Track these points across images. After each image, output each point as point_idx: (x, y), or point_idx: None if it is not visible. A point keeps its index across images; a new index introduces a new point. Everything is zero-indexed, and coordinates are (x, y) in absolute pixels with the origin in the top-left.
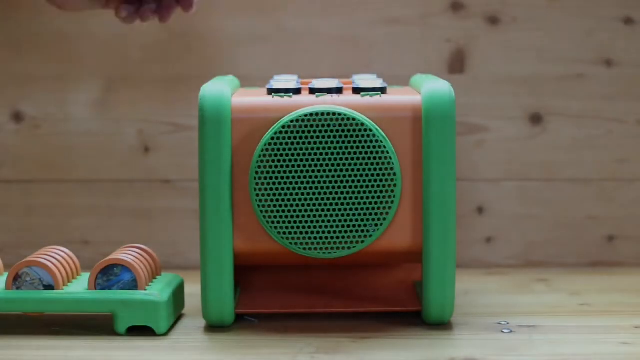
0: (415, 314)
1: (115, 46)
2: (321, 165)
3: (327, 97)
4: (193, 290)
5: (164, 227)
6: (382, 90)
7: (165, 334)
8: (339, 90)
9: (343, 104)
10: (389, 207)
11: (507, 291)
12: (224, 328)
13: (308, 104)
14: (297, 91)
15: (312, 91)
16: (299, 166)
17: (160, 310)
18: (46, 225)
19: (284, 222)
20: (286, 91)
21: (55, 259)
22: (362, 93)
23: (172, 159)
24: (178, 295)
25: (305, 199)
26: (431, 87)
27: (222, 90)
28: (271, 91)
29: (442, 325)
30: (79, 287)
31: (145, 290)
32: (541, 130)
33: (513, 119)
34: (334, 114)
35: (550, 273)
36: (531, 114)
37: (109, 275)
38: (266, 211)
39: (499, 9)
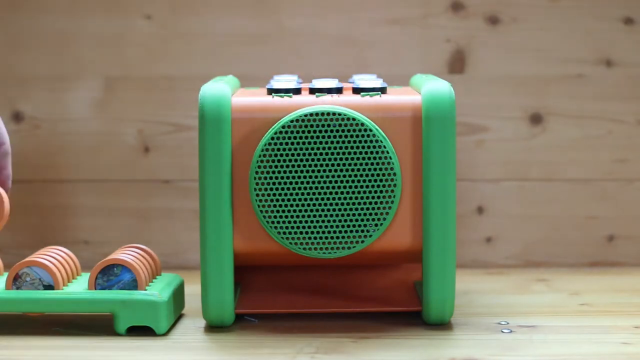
0: (415, 314)
1: (115, 46)
2: (321, 165)
3: (327, 97)
4: (193, 290)
5: (164, 227)
6: (382, 90)
7: (165, 334)
8: (339, 90)
9: (343, 104)
10: (389, 207)
11: (507, 291)
12: (224, 328)
13: (308, 104)
14: (297, 91)
15: (312, 91)
16: (299, 166)
17: (160, 310)
18: (46, 225)
19: (284, 222)
20: (286, 91)
21: (55, 259)
22: (362, 93)
23: (172, 159)
24: (178, 295)
25: (305, 199)
26: (431, 87)
27: (222, 90)
28: (271, 91)
29: (442, 325)
30: (79, 287)
31: (145, 290)
32: (541, 130)
33: (513, 119)
34: (334, 114)
35: (550, 273)
36: (531, 114)
37: (109, 275)
38: (266, 211)
39: (499, 9)
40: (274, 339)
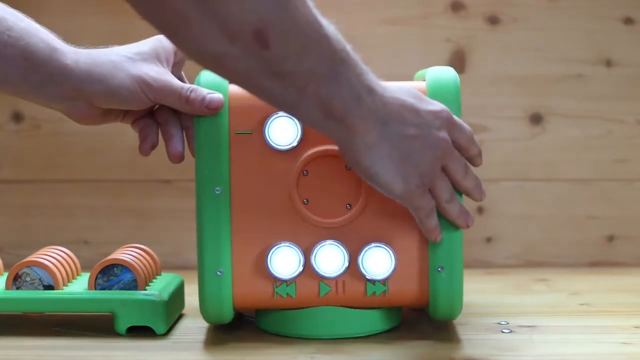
0: (416, 315)
1: (115, 45)
2: None
3: None
4: (193, 290)
5: (164, 227)
6: None
7: (165, 334)
8: None
9: None
10: None
11: (507, 291)
12: (224, 328)
13: None
14: None
15: None
16: None
17: (160, 310)
18: (46, 225)
19: None
20: None
21: (55, 259)
22: None
23: None
24: (178, 295)
25: None
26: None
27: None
28: None
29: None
30: (79, 287)
31: (145, 290)
32: (541, 130)
33: (513, 119)
34: None
35: (550, 273)
36: (531, 114)
37: (109, 275)
38: None
39: (499, 9)
40: (274, 339)
